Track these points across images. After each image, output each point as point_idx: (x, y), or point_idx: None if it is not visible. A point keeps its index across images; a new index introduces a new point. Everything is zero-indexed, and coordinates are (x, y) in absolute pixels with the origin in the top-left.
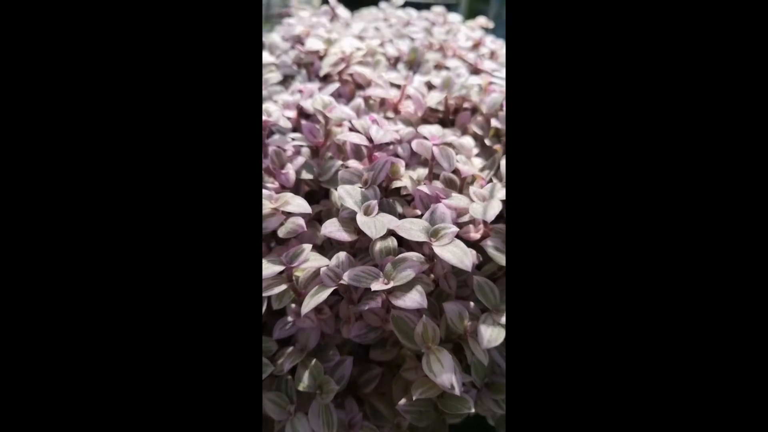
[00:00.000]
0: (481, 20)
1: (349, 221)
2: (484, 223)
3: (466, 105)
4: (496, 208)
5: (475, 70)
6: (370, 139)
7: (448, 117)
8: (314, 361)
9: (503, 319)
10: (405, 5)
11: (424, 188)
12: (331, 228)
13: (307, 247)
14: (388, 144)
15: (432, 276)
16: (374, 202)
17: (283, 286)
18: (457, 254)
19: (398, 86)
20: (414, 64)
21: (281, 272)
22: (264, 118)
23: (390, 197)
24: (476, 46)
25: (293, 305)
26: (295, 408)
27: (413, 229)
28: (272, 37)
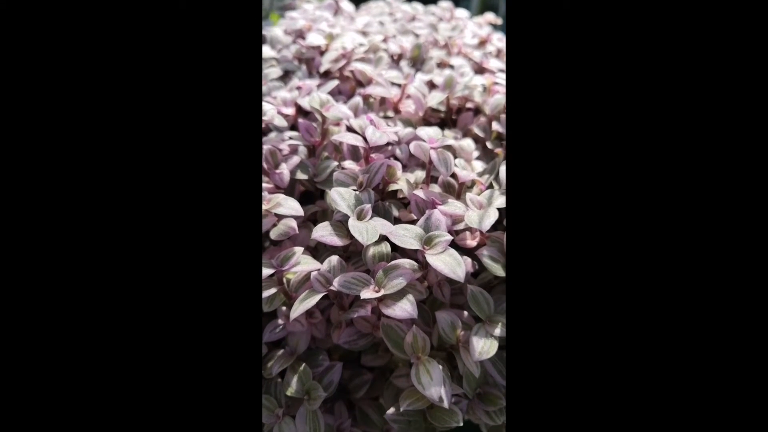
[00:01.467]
0: (490, 16)
1: (342, 225)
2: (481, 231)
3: (469, 105)
4: (492, 217)
5: (480, 69)
6: (366, 140)
7: (450, 117)
8: (303, 365)
9: (497, 331)
10: None
11: (419, 193)
12: (322, 232)
13: (299, 250)
14: (386, 145)
15: (425, 283)
16: (368, 206)
17: (273, 290)
18: (449, 264)
19: (399, 85)
20: (417, 62)
21: (272, 275)
22: None
23: (387, 200)
24: (483, 43)
25: (284, 308)
26: (284, 412)
27: (406, 236)
28: (274, 30)
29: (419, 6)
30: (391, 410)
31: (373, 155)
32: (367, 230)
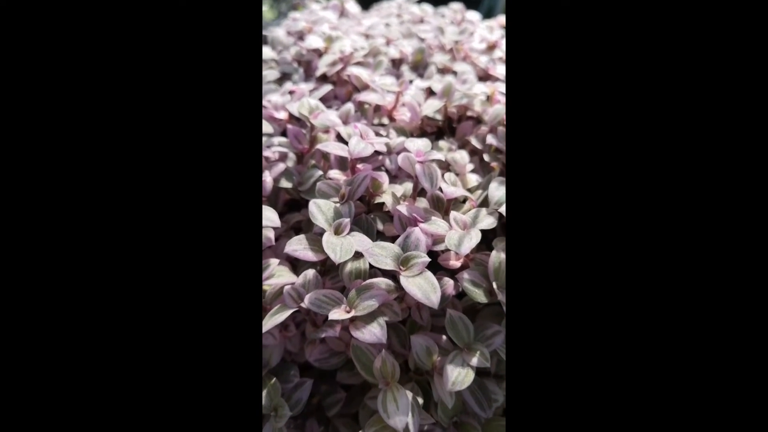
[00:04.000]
0: (502, 19)
1: (319, 238)
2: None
3: (470, 113)
4: (473, 239)
5: (486, 76)
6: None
7: (449, 126)
8: (273, 380)
9: (475, 360)
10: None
11: (402, 208)
12: (296, 246)
13: (274, 262)
14: (374, 155)
15: (403, 304)
16: (346, 221)
17: None
18: (423, 288)
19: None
20: (420, 66)
21: None
22: None
23: (373, 212)
24: (491, 48)
25: None
26: None
27: (382, 255)
28: (276, 31)
29: (428, 8)
30: None
31: (359, 165)
32: (341, 247)
